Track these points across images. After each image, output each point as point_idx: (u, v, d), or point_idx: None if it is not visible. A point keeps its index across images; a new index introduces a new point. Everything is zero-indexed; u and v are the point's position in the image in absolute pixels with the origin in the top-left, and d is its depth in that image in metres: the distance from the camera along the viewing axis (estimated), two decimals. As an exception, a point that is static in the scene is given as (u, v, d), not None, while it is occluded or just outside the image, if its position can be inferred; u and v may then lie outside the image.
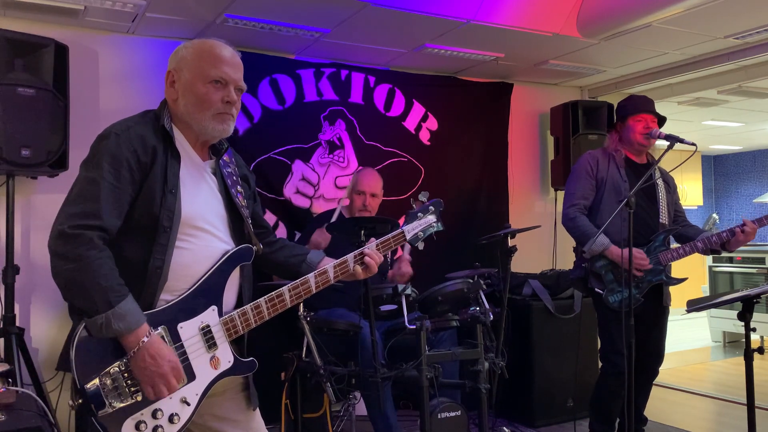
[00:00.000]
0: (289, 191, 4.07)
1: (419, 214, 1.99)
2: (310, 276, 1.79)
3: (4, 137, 2.94)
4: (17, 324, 3.12)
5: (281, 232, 4.04)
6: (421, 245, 1.98)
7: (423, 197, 2.06)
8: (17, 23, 3.32)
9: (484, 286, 3.12)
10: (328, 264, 1.83)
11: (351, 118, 4.29)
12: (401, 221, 2.02)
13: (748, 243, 3.26)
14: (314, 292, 1.79)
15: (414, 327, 2.79)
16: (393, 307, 2.99)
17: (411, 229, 1.96)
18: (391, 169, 4.35)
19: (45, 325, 3.42)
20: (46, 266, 1.54)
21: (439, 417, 2.80)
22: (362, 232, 2.43)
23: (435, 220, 2.00)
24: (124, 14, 3.38)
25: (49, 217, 1.57)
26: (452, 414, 2.84)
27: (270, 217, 3.99)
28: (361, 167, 4.21)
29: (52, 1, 3.15)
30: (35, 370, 3.10)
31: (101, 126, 1.67)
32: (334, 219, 3.63)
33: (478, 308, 3.03)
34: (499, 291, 3.58)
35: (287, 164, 4.07)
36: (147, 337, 1.53)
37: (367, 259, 1.84)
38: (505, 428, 3.65)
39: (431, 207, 2.02)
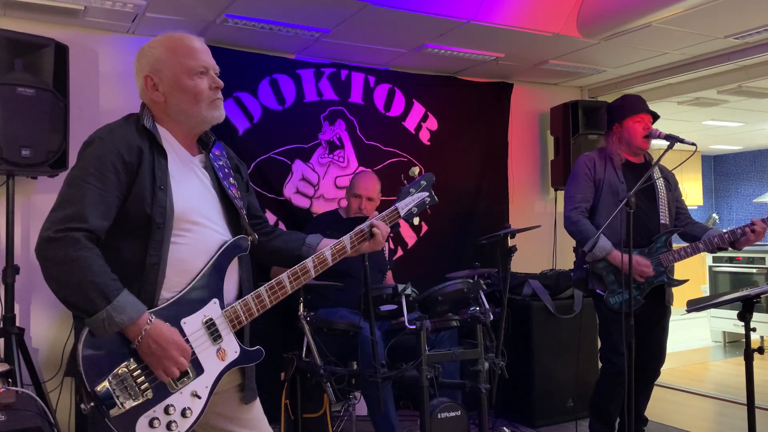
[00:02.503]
0: (289, 191, 4.07)
1: (411, 189, 1.96)
2: (308, 261, 1.80)
3: (4, 137, 2.94)
4: (17, 324, 3.12)
5: (281, 232, 4.03)
6: (416, 220, 1.95)
7: (413, 173, 2.02)
8: (17, 23, 3.32)
9: (484, 286, 3.12)
10: (325, 247, 1.84)
11: (351, 118, 4.28)
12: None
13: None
14: (313, 275, 1.80)
15: (414, 327, 2.79)
16: (393, 307, 2.99)
17: (404, 206, 1.94)
18: (391, 169, 4.35)
19: (45, 325, 3.42)
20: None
21: (439, 417, 2.80)
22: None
23: (428, 194, 1.97)
24: (124, 14, 3.38)
25: (50, 217, 1.57)
26: (452, 414, 2.84)
27: (270, 217, 3.98)
28: (361, 169, 4.21)
29: (52, 1, 3.15)
30: (35, 370, 3.10)
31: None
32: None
33: (478, 308, 3.03)
34: (499, 291, 3.57)
35: (287, 164, 4.07)
36: (149, 324, 1.54)
37: (375, 230, 1.85)
38: (505, 428, 3.64)
39: (423, 182, 1.98)
